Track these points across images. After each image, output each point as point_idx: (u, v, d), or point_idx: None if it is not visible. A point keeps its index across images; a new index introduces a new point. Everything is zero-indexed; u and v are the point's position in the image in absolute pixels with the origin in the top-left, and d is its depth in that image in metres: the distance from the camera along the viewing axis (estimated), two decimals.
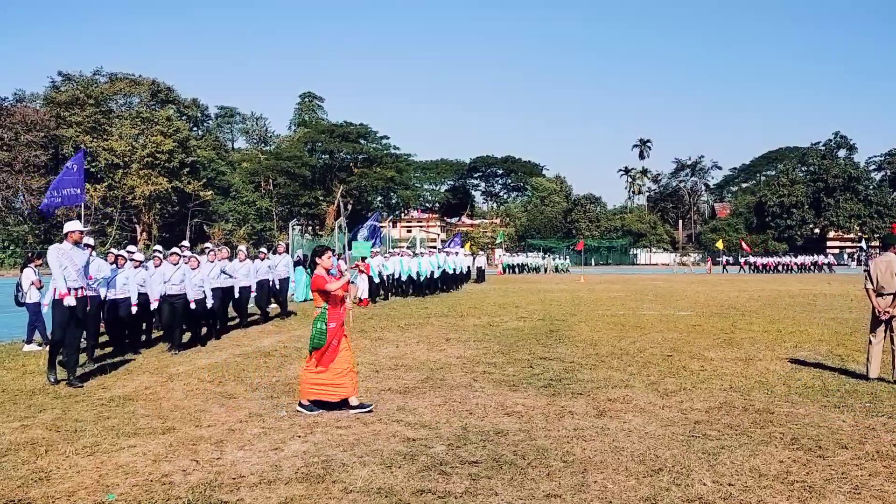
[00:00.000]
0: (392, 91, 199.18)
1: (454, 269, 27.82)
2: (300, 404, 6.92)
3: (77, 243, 8.64)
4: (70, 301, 8.32)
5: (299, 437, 6.03)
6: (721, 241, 75.16)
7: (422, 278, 24.38)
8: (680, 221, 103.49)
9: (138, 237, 62.20)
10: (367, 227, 23.49)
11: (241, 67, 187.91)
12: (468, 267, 30.89)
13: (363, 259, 20.69)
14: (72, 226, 8.59)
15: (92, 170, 60.36)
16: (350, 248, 22.81)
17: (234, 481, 4.88)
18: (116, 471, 5.13)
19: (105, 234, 57.32)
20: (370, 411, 6.85)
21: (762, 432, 6.08)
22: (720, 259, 68.33)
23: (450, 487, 4.72)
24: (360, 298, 19.72)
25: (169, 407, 7.24)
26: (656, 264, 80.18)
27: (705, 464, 5.20)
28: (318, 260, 7.09)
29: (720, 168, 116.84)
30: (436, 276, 25.47)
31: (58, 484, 4.86)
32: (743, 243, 71.28)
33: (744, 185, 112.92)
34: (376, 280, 21.59)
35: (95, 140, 60.35)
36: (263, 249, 17.58)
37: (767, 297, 23.63)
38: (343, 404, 6.91)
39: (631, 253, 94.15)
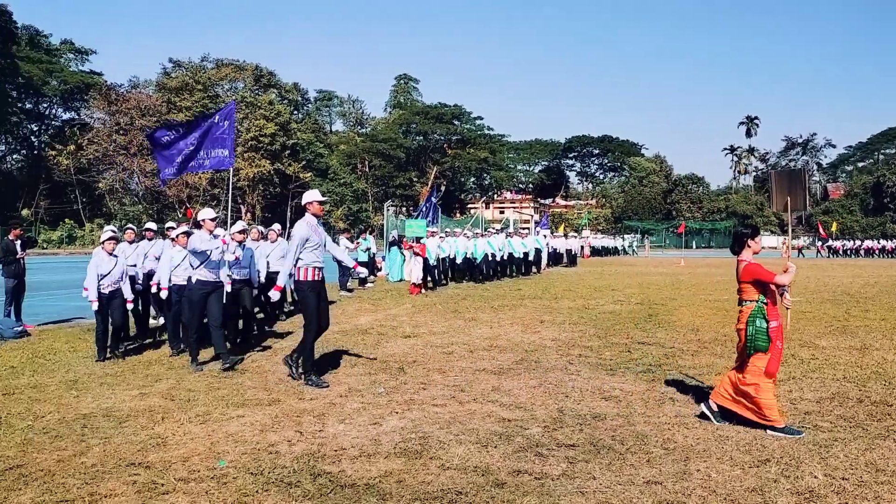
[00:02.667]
0: (487, 71, 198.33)
1: (522, 253, 25.21)
2: (708, 407, 5.85)
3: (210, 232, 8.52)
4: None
5: (397, 413, 6.16)
6: (835, 223, 71.02)
7: (478, 261, 22.17)
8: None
9: (243, 217, 64.89)
10: (424, 206, 21.60)
11: (339, 51, 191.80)
12: (537, 249, 27.18)
13: (418, 240, 19.16)
14: (206, 213, 8.52)
15: None
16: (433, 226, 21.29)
17: (335, 453, 5.05)
18: (226, 439, 5.41)
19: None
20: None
21: (879, 425, 5.72)
22: (819, 241, 64.33)
23: (546, 469, 4.71)
24: (412, 284, 18.06)
25: (274, 380, 7.56)
26: (763, 248, 76.82)
27: (816, 456, 4.95)
28: (750, 242, 5.96)
29: (834, 146, 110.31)
30: (498, 259, 23.12)
31: (173, 449, 5.16)
32: (820, 227, 67.22)
33: (860, 165, 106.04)
34: (432, 262, 19.48)
35: None
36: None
37: (885, 283, 22.15)
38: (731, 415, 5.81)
39: None
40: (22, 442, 5.35)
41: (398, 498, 4.23)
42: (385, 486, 4.40)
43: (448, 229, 24.60)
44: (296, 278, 7.39)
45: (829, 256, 56.29)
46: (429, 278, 19.11)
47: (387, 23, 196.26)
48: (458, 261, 21.49)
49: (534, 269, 26.79)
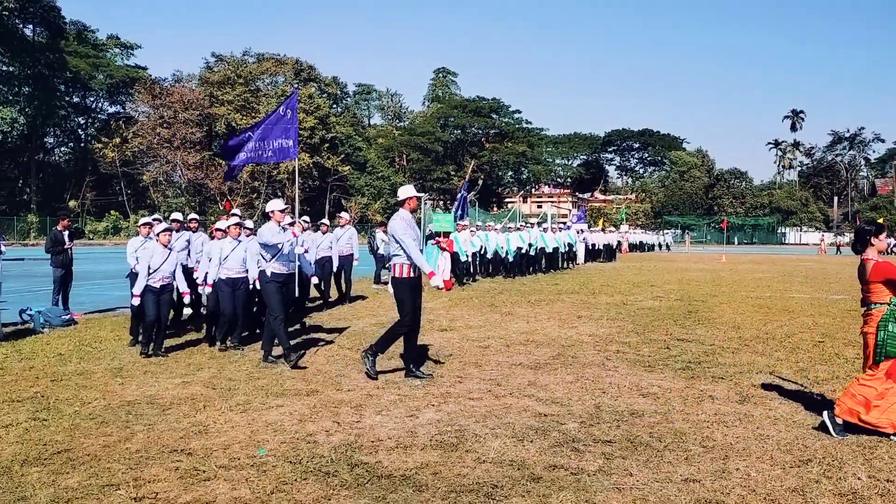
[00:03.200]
0: (526, 65, 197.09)
1: (553, 248, 24.40)
2: (831, 419, 5.38)
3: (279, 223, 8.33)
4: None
5: (433, 405, 6.19)
6: (882, 219, 69.02)
7: (510, 256, 21.44)
8: (835, 199, 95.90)
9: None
10: (458, 198, 20.37)
11: (378, 45, 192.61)
12: (570, 244, 26.51)
13: (445, 235, 17.85)
14: (275, 205, 8.24)
15: None
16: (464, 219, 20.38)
17: (372, 444, 5.10)
18: (266, 428, 5.50)
19: (253, 207, 60.96)
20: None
21: None
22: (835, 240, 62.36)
23: (582, 465, 4.68)
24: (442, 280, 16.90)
25: (312, 371, 7.65)
26: (807, 244, 74.77)
27: (860, 457, 4.84)
28: (874, 240, 5.49)
29: (883, 140, 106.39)
30: (532, 253, 22.48)
31: (214, 437, 5.27)
32: (859, 221, 65.39)
33: None
34: (462, 258, 18.69)
35: (244, 118, 64.07)
36: (325, 221, 14.60)
37: None
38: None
39: (779, 232, 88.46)
40: (69, 427, 5.51)
41: (434, 490, 4.25)
42: (421, 478, 4.43)
43: (479, 223, 24.00)
44: (392, 275, 7.26)
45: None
46: (457, 273, 18.47)
47: (426, 16, 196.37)
48: (489, 255, 20.92)
49: (570, 265, 26.33)
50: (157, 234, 8.83)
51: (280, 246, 8.10)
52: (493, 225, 22.59)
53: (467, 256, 19.13)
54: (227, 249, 8.98)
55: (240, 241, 9.13)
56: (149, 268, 8.54)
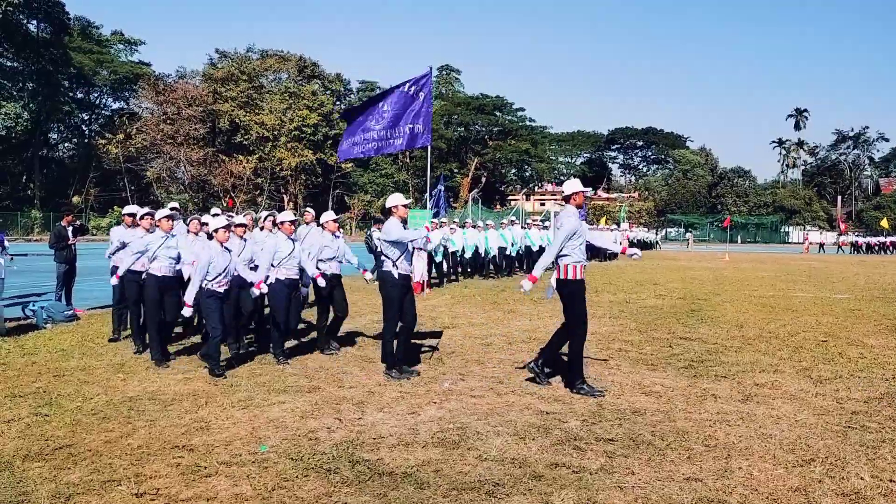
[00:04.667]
0: (529, 62, 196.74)
1: (541, 245, 22.30)
2: None
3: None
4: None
5: (435, 403, 6.18)
6: (886, 219, 68.73)
7: (489, 255, 20.05)
8: (839, 198, 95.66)
9: (285, 206, 65.74)
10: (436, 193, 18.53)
11: (381, 42, 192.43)
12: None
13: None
14: (396, 199, 7.41)
15: (244, 142, 64.34)
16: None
17: (374, 441, 5.09)
18: (268, 424, 5.50)
19: (256, 204, 61.01)
20: None
21: None
22: (843, 238, 61.86)
23: (584, 463, 4.67)
24: (418, 282, 15.04)
25: (314, 367, 7.65)
26: (822, 244, 74.39)
27: (863, 457, 4.82)
28: None
29: (887, 139, 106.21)
30: (513, 253, 21.13)
31: (216, 433, 5.27)
32: (841, 222, 64.99)
33: None
34: (437, 259, 17.28)
35: (248, 114, 64.12)
36: (285, 214, 10.79)
37: None
38: None
39: (782, 231, 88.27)
40: (71, 422, 5.51)
41: (435, 487, 4.24)
42: (422, 475, 4.42)
43: (456, 220, 22.38)
44: (560, 277, 6.68)
45: (851, 253, 54.44)
46: (434, 274, 17.34)
47: (429, 14, 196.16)
48: (468, 255, 19.35)
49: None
50: (215, 231, 7.66)
51: (408, 242, 7.34)
52: (471, 222, 21.10)
53: (443, 256, 17.73)
54: (286, 249, 8.01)
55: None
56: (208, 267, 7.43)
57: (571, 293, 6.68)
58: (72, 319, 10.73)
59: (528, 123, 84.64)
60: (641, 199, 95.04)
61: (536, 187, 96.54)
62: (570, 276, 6.62)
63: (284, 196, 67.77)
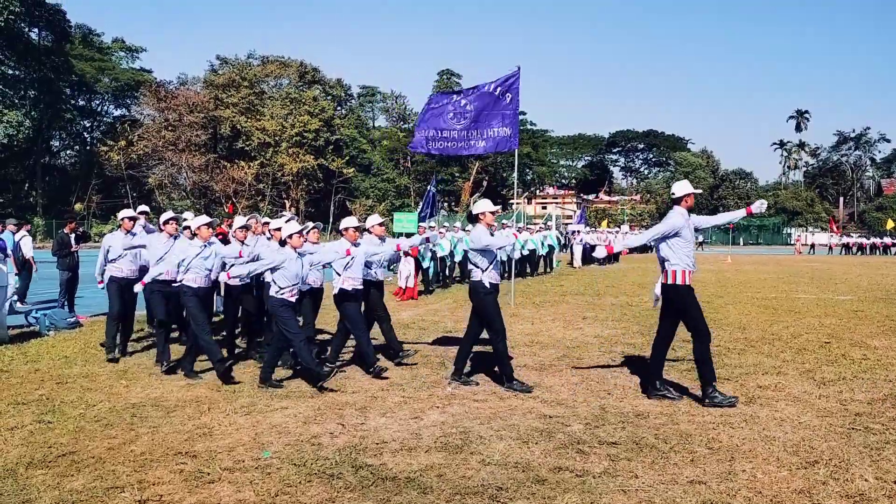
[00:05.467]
0: (530, 66, 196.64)
1: (533, 250, 22.19)
2: None
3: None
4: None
5: (437, 407, 6.18)
6: (890, 220, 68.61)
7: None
8: (841, 199, 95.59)
9: (287, 211, 65.78)
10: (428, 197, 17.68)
11: (382, 47, 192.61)
12: (551, 247, 24.02)
13: (409, 237, 15.72)
14: (484, 205, 7.13)
15: (246, 148, 64.44)
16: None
17: (377, 446, 5.09)
18: (271, 430, 5.50)
19: (258, 209, 61.04)
20: None
21: None
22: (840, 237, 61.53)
23: (587, 466, 4.67)
24: (402, 288, 15.27)
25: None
26: (813, 244, 74.37)
27: (867, 459, 4.81)
28: None
29: (889, 140, 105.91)
30: (503, 258, 19.34)
31: (219, 439, 5.27)
32: (832, 223, 64.79)
33: None
34: (425, 264, 16.68)
35: (249, 120, 64.20)
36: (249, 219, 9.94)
37: None
38: None
39: (784, 232, 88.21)
40: (74, 429, 5.52)
41: (438, 492, 4.24)
42: (425, 480, 4.42)
43: (447, 224, 21.38)
44: (668, 282, 6.46)
45: (840, 253, 54.34)
46: (421, 279, 16.58)
47: (430, 19, 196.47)
48: (458, 259, 18.71)
49: (548, 269, 24.08)
50: (289, 237, 7.23)
51: (495, 250, 7.05)
52: (460, 226, 20.21)
53: (431, 261, 17.12)
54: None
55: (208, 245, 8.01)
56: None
57: (683, 299, 6.48)
58: (74, 326, 10.74)
59: (528, 127, 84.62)
60: (643, 201, 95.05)
61: (538, 191, 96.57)
62: (677, 281, 6.43)
63: (286, 201, 67.79)
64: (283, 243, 7.23)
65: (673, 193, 6.72)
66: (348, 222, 7.82)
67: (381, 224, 8.25)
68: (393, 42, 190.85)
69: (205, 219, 7.91)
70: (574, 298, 15.63)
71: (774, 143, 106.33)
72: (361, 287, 7.82)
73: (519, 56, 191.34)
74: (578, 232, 30.55)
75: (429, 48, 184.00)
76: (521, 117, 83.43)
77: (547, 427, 5.57)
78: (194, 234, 7.84)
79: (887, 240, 57.09)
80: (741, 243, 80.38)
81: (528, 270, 22.40)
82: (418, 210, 17.01)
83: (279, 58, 72.05)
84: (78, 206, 58.92)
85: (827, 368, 7.87)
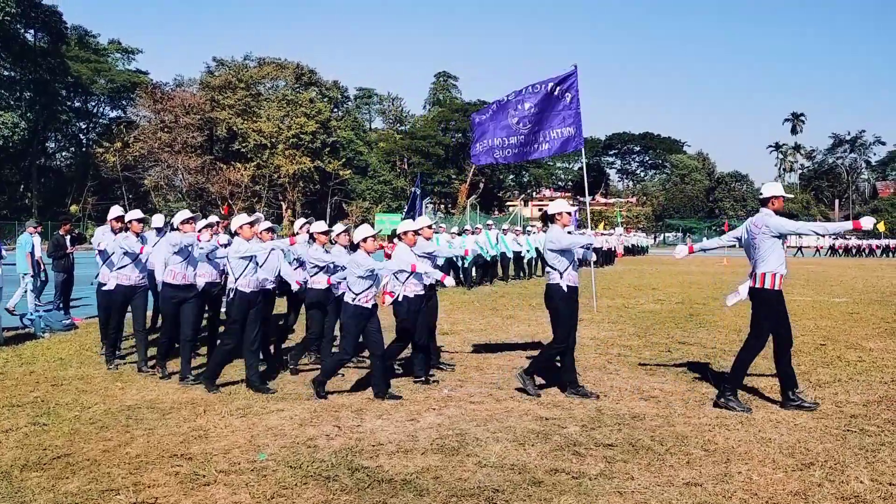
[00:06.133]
0: (526, 68, 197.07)
1: (515, 251, 21.58)
2: None
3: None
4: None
5: (434, 409, 6.18)
6: (883, 222, 68.82)
7: (466, 263, 18.57)
8: (836, 201, 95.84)
9: (283, 214, 65.71)
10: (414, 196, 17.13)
11: (379, 49, 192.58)
12: (537, 249, 22.31)
13: (391, 239, 14.31)
14: (561, 205, 6.90)
15: (242, 150, 64.38)
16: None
17: (373, 448, 5.08)
18: (266, 432, 5.48)
19: (254, 211, 60.94)
20: None
21: None
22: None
23: (584, 468, 4.67)
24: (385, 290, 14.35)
25: (313, 375, 7.61)
26: (808, 247, 74.67)
27: (863, 460, 4.82)
28: None
29: (884, 143, 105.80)
30: (488, 259, 19.72)
31: (215, 442, 5.25)
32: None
33: None
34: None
35: (245, 122, 64.15)
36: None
37: None
38: None
39: None
40: (69, 432, 5.50)
41: (435, 494, 4.24)
42: (422, 482, 4.42)
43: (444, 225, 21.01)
44: (756, 285, 6.38)
45: (826, 255, 54.54)
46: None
47: (426, 21, 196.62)
48: (440, 262, 17.87)
49: (532, 273, 22.68)
50: (363, 241, 6.94)
51: (577, 250, 6.91)
52: (446, 227, 19.77)
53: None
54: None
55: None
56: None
57: (768, 303, 6.28)
58: (70, 328, 10.70)
59: None
60: (639, 204, 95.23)
61: (535, 193, 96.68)
62: (766, 285, 6.27)
63: (283, 203, 67.79)
64: (355, 247, 6.89)
65: (761, 194, 6.50)
66: (421, 222, 7.71)
67: (429, 226, 7.97)
68: (389, 44, 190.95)
69: (266, 224, 7.76)
70: None
71: (770, 146, 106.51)
72: (423, 293, 7.50)
73: (514, 58, 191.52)
74: (570, 234, 30.09)
75: (425, 50, 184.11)
76: None
77: (543, 429, 5.57)
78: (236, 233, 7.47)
79: (874, 242, 57.30)
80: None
81: (513, 273, 21.92)
82: (405, 210, 16.49)
83: (275, 59, 72.02)
84: (73, 208, 58.81)
85: (822, 370, 7.89)
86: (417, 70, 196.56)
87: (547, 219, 6.93)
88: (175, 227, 7.71)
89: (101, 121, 69.97)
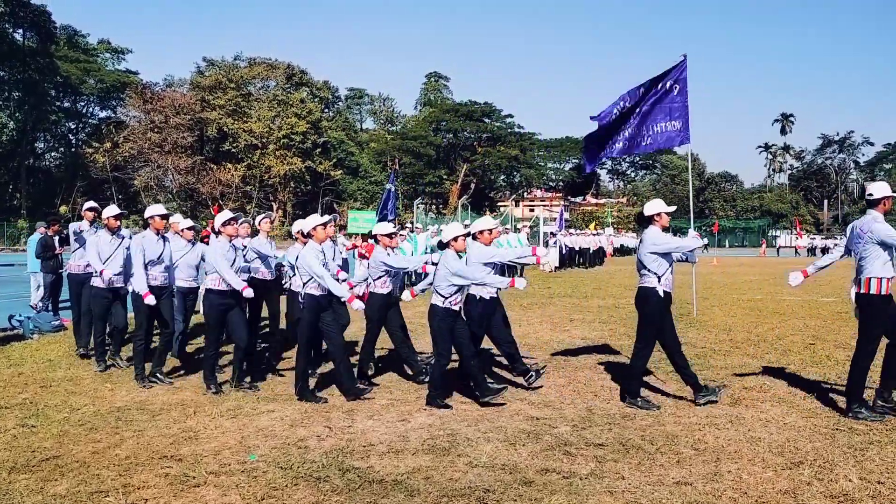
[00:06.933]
0: (517, 69, 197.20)
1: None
2: None
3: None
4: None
5: (425, 409, 6.17)
6: None
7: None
8: (825, 202, 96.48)
9: (275, 214, 65.57)
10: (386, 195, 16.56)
11: (370, 49, 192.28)
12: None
13: (365, 239, 13.20)
14: (658, 205, 6.50)
15: (233, 150, 64.17)
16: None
17: (364, 449, 5.08)
18: (257, 433, 5.47)
19: (245, 212, 60.78)
20: None
21: None
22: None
23: (574, 468, 4.68)
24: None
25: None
26: (779, 248, 74.96)
27: (851, 459, 4.85)
28: None
29: (872, 144, 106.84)
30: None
31: (205, 443, 5.24)
32: (798, 224, 65.48)
33: None
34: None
35: (236, 122, 63.96)
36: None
37: None
38: None
39: (770, 235, 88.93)
40: (58, 433, 5.47)
41: (426, 494, 4.24)
42: (413, 483, 4.41)
43: (420, 226, 20.46)
44: (862, 291, 6.02)
45: (807, 255, 54.92)
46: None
47: (417, 21, 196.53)
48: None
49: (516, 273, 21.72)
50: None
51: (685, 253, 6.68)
52: (421, 227, 19.34)
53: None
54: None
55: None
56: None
57: (875, 309, 5.95)
58: (58, 329, 10.64)
59: (516, 130, 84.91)
60: (630, 204, 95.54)
61: (526, 193, 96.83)
62: (871, 291, 5.94)
63: (273, 204, 67.61)
64: (443, 246, 6.49)
65: (870, 195, 6.13)
66: (457, 230, 6.81)
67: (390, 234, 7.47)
68: (381, 44, 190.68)
69: (326, 217, 7.14)
70: (561, 301, 15.67)
71: (760, 146, 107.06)
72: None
73: (507, 59, 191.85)
74: (553, 234, 29.65)
75: (417, 50, 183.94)
76: (508, 120, 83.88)
77: (534, 429, 5.58)
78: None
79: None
80: (727, 245, 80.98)
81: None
82: (378, 208, 15.83)
83: (266, 59, 71.87)
84: (63, 209, 58.41)
85: (812, 369, 7.93)
86: (409, 70, 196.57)
87: (643, 220, 6.51)
88: (216, 230, 7.36)
89: (90, 121, 69.65)
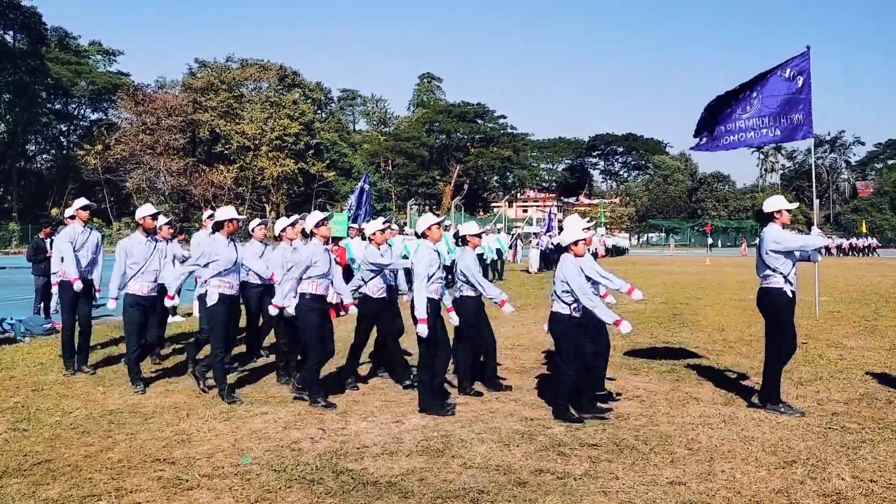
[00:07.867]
0: (510, 70, 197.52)
1: (479, 253, 19.63)
2: None
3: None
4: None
5: (418, 411, 6.16)
6: (864, 221, 69.71)
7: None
8: (816, 201, 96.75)
9: (268, 216, 65.43)
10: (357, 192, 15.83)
11: (362, 50, 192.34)
12: (498, 251, 21.92)
13: (337, 242, 12.64)
14: (780, 202, 6.37)
15: (225, 152, 64.01)
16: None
17: (358, 451, 5.07)
18: (250, 436, 5.45)
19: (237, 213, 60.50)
20: None
21: None
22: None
23: (568, 468, 4.68)
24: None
25: (297, 378, 7.57)
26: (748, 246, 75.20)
27: (844, 458, 4.87)
28: None
29: (863, 143, 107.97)
30: (447, 263, 16.66)
31: (198, 446, 5.21)
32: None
33: (889, 162, 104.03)
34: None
35: (228, 124, 63.80)
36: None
37: None
38: None
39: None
40: (50, 437, 5.44)
41: (420, 496, 4.23)
42: (407, 484, 4.41)
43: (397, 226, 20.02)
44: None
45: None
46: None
47: (410, 22, 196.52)
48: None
49: (495, 275, 21.79)
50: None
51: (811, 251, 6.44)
52: (396, 229, 19.02)
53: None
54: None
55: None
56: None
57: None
58: (50, 333, 10.58)
59: (509, 131, 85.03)
60: (623, 204, 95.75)
61: (519, 194, 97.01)
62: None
63: (266, 206, 67.47)
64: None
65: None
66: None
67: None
68: (373, 45, 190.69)
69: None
70: None
71: (751, 147, 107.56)
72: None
73: (500, 60, 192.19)
74: (536, 235, 29.11)
75: (410, 51, 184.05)
76: (501, 121, 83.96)
77: (528, 430, 5.58)
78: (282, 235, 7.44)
79: (845, 242, 58.44)
80: (719, 245, 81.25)
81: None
82: (349, 209, 15.15)
83: (259, 61, 71.74)
84: (54, 211, 58.13)
85: (804, 368, 7.96)
86: (402, 71, 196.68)
87: (763, 217, 6.33)
88: (278, 234, 7.50)
89: (81, 123, 69.46)
